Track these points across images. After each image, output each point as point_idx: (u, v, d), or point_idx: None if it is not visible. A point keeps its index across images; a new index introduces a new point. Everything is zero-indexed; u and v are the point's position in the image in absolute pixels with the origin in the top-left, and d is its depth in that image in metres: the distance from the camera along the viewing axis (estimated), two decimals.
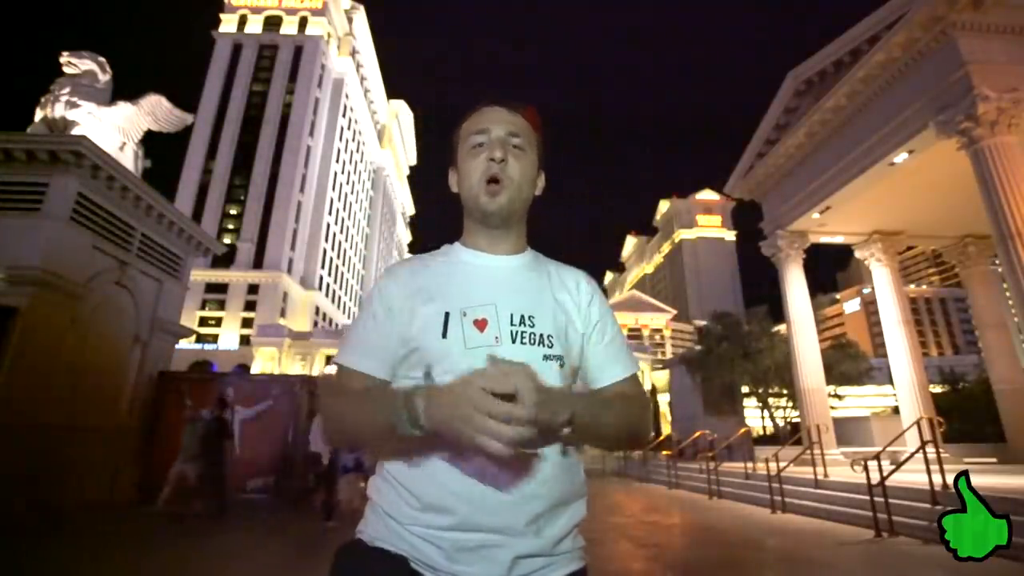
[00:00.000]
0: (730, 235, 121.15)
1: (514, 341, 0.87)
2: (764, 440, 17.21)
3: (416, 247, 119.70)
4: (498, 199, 0.94)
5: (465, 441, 0.67)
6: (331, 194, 59.93)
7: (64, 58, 9.71)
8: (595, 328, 0.97)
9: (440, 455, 0.81)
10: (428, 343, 0.87)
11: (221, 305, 49.12)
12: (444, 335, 0.86)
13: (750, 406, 19.69)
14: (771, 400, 18.77)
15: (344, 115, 64.52)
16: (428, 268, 0.98)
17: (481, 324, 0.87)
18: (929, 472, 5.52)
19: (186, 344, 35.19)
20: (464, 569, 0.77)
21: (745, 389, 18.70)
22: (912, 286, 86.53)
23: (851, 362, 17.88)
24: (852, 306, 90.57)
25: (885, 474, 5.69)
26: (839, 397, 18.58)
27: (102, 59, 9.99)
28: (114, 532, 6.21)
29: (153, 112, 10.40)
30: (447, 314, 0.88)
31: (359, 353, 0.92)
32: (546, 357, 0.87)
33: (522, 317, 0.89)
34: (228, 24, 59.88)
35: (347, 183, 66.85)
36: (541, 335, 0.89)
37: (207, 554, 5.12)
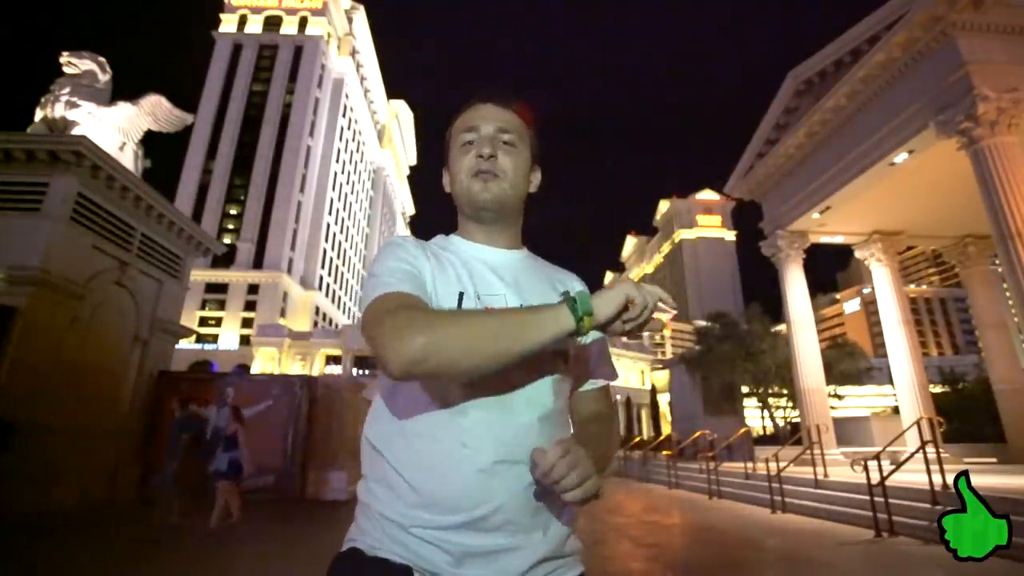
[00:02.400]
0: (730, 235, 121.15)
1: None
2: (764, 440, 17.22)
3: None
4: (491, 188, 0.92)
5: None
6: (331, 194, 59.91)
7: (64, 58, 9.71)
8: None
9: (443, 446, 0.76)
10: None
11: (221, 305, 49.10)
12: None
13: (750, 406, 19.71)
14: (771, 400, 18.79)
15: (344, 115, 64.49)
16: (426, 247, 0.94)
17: None
18: (929, 472, 5.52)
19: (186, 344, 35.20)
20: (472, 574, 0.73)
21: (745, 389, 18.71)
22: (912, 286, 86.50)
23: (850, 361, 17.89)
24: (852, 306, 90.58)
25: (885, 474, 5.69)
26: (839, 397, 18.59)
27: (102, 59, 9.99)
28: (114, 533, 6.21)
29: (153, 112, 10.40)
30: (461, 294, 0.85)
31: (403, 280, 0.80)
32: (555, 352, 0.85)
33: None
34: (228, 24, 59.87)
35: (347, 183, 66.82)
36: None
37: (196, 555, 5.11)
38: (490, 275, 0.90)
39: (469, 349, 0.67)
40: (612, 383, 1.02)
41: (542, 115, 1.06)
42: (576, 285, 1.00)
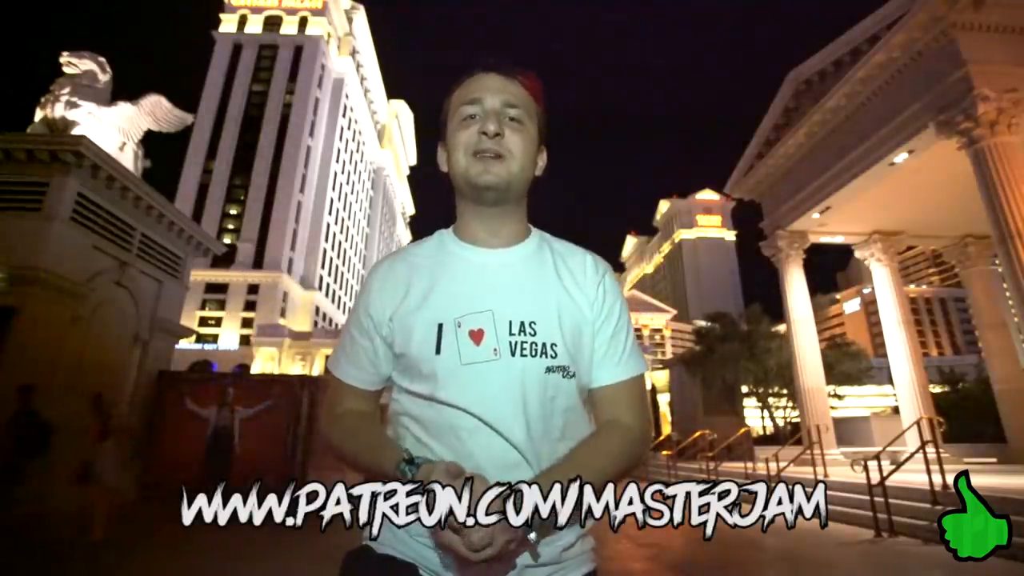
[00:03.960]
0: (730, 235, 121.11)
1: (513, 354, 0.79)
2: (764, 440, 17.21)
3: None
4: (494, 170, 0.83)
5: None
6: (331, 194, 59.93)
7: (64, 58, 9.70)
8: (601, 318, 0.87)
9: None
10: (423, 358, 0.80)
11: (221, 305, 49.12)
12: (438, 350, 0.79)
13: (750, 406, 19.70)
14: (771, 400, 18.78)
15: (344, 115, 64.51)
16: (415, 267, 0.88)
17: (477, 336, 0.79)
18: (929, 472, 5.52)
19: (186, 344, 35.19)
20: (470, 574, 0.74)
21: (745, 389, 18.71)
22: (912, 286, 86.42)
23: (851, 361, 17.90)
24: (852, 306, 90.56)
25: (885, 474, 5.70)
26: (839, 397, 18.60)
27: (102, 59, 9.98)
28: (114, 534, 6.20)
29: (153, 112, 10.39)
30: (440, 325, 0.80)
31: (349, 363, 0.90)
32: (549, 369, 0.80)
33: (522, 325, 0.81)
34: (228, 24, 59.87)
35: (347, 183, 66.83)
36: (544, 344, 0.81)
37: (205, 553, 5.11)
38: (481, 286, 0.85)
39: (341, 455, 0.89)
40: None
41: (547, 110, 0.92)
42: (588, 265, 0.91)
